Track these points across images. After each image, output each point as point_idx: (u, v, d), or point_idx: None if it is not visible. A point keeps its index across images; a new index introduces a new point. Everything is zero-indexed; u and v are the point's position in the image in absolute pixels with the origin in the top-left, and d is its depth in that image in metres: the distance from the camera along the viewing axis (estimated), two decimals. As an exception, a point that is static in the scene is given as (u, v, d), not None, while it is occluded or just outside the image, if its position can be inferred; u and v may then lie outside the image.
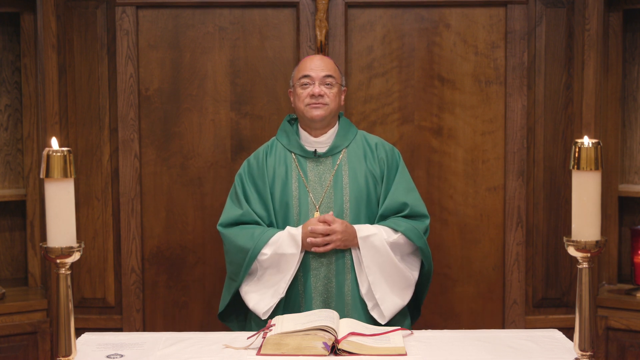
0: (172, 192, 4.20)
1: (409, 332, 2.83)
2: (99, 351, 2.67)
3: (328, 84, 3.32)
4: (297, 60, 4.12)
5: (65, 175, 2.31)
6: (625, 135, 4.25)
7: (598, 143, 2.35)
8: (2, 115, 4.22)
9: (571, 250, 2.40)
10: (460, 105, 4.16)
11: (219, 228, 3.35)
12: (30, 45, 4.13)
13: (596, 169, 2.34)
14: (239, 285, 3.25)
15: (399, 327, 2.85)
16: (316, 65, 3.33)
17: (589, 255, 2.37)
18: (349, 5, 4.11)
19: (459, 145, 4.17)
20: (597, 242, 2.36)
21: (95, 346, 2.72)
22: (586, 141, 2.35)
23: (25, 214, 4.19)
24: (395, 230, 3.21)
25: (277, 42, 4.15)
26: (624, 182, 4.26)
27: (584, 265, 2.39)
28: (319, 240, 3.14)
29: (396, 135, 4.16)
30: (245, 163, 3.45)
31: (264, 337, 2.68)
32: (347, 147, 3.37)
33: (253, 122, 4.18)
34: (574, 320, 2.44)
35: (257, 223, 3.28)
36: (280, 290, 3.16)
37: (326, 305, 3.18)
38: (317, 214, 3.24)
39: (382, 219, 3.28)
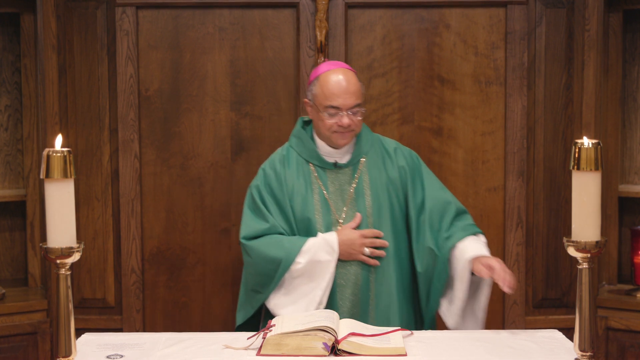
0: (172, 192, 4.20)
1: (408, 332, 2.83)
2: (99, 351, 2.67)
3: (355, 112, 3.17)
4: (297, 60, 4.12)
5: (65, 175, 2.31)
6: (625, 135, 4.25)
7: (598, 143, 2.35)
8: (2, 115, 4.22)
9: (571, 251, 2.40)
10: (460, 106, 4.16)
11: (243, 241, 3.19)
12: (30, 46, 4.13)
13: (596, 169, 2.34)
14: (266, 298, 3.13)
15: (399, 328, 2.85)
16: (345, 94, 3.12)
17: (589, 255, 2.37)
18: (349, 6, 4.11)
19: (459, 146, 4.17)
20: (597, 242, 2.36)
21: (95, 346, 2.72)
22: (586, 141, 2.35)
23: (25, 214, 4.19)
24: (477, 237, 3.13)
25: (277, 42, 4.15)
26: (624, 182, 4.25)
27: (584, 266, 2.39)
28: (377, 242, 3.08)
29: (396, 135, 4.16)
30: (260, 172, 3.31)
31: (264, 338, 2.68)
32: (366, 154, 3.27)
33: (253, 123, 4.18)
34: (574, 320, 2.44)
35: (281, 234, 3.16)
36: (317, 299, 3.04)
37: (352, 314, 3.08)
38: (340, 228, 3.13)
39: (430, 223, 3.14)
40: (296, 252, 3.06)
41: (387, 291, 3.10)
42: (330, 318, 2.74)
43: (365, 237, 3.10)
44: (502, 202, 4.16)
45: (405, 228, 3.21)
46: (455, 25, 4.13)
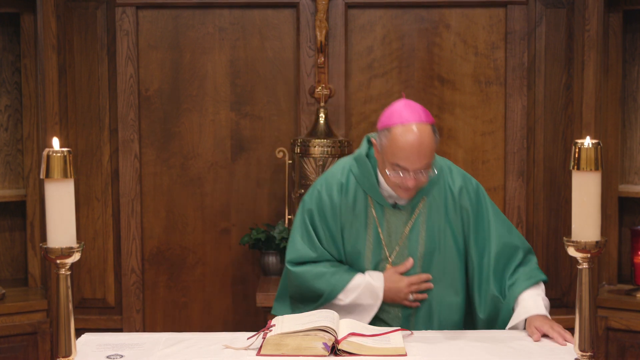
0: (172, 192, 4.20)
1: (408, 332, 2.83)
2: (98, 351, 2.66)
3: (424, 172, 2.86)
4: (297, 61, 4.12)
5: (65, 175, 2.31)
6: (625, 135, 4.25)
7: (598, 143, 2.35)
8: (2, 115, 4.22)
9: (571, 251, 2.39)
10: (460, 106, 4.16)
11: (288, 266, 3.04)
12: (30, 46, 4.12)
13: (596, 169, 2.34)
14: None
15: (399, 328, 2.85)
16: (415, 157, 2.80)
17: (589, 255, 2.37)
18: (349, 6, 4.11)
19: (459, 146, 4.17)
20: (597, 242, 2.36)
21: (95, 346, 2.72)
22: (586, 141, 2.35)
23: (25, 215, 4.19)
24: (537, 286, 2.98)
25: (277, 42, 4.15)
26: (624, 182, 4.25)
27: (584, 266, 2.39)
28: (423, 286, 2.97)
29: (396, 135, 4.16)
30: (315, 194, 3.04)
31: (264, 338, 2.68)
32: (427, 194, 2.98)
33: (253, 123, 4.18)
34: (574, 320, 2.43)
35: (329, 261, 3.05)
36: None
37: None
38: (388, 266, 3.00)
39: (495, 269, 2.97)
40: (340, 289, 2.97)
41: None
42: (330, 318, 2.74)
43: (412, 284, 2.98)
44: (502, 202, 4.16)
45: (464, 270, 3.03)
46: (455, 25, 4.13)
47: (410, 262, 2.98)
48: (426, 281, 3.00)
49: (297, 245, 3.04)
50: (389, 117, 2.85)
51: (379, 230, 3.00)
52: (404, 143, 2.79)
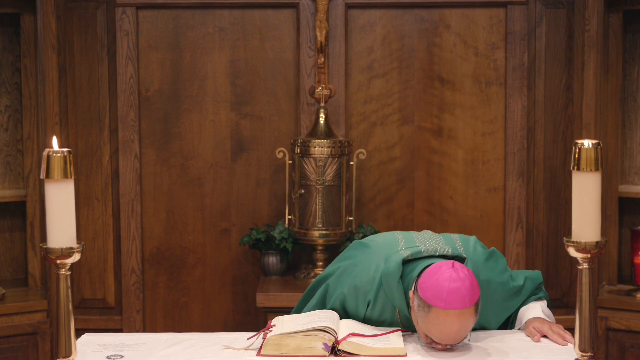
0: (172, 192, 4.20)
1: (408, 332, 2.83)
2: (99, 352, 2.66)
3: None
4: (297, 61, 4.12)
5: (65, 175, 2.31)
6: (625, 135, 4.25)
7: (598, 144, 2.35)
8: (2, 116, 4.22)
9: (571, 251, 2.39)
10: (460, 106, 4.16)
11: None
12: (30, 46, 4.13)
13: (596, 169, 2.34)
14: None
15: (399, 328, 2.85)
16: (450, 340, 2.62)
17: (589, 256, 2.37)
18: (349, 6, 4.11)
19: (459, 146, 4.17)
20: (597, 242, 2.36)
21: (95, 347, 2.72)
22: (586, 142, 2.35)
23: (25, 215, 4.19)
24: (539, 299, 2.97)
25: (277, 42, 4.15)
26: (624, 182, 4.25)
27: (584, 266, 2.39)
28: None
29: (396, 136, 4.16)
30: (339, 295, 2.88)
31: (264, 338, 2.68)
32: None
33: (253, 123, 4.18)
34: (574, 321, 2.43)
35: None
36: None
37: None
38: None
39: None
40: None
41: None
42: (330, 318, 2.73)
43: None
44: (502, 203, 4.16)
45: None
46: (455, 25, 4.13)
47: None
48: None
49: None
50: (433, 294, 2.58)
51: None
52: (442, 328, 2.59)
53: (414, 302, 2.66)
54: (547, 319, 2.88)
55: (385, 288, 2.80)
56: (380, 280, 2.81)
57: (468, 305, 2.58)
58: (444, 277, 2.59)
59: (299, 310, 3.05)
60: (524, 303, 2.97)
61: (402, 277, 2.78)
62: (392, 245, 2.88)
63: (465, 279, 2.59)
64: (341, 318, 2.88)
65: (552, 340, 2.75)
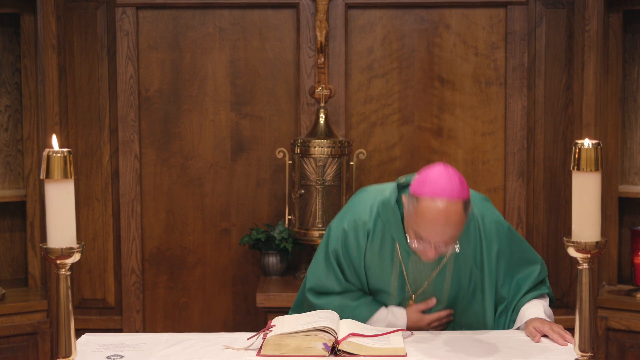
0: (172, 192, 4.20)
1: (409, 333, 2.83)
2: (99, 352, 2.67)
3: (445, 245, 2.73)
4: (297, 61, 4.12)
5: (65, 176, 2.31)
6: (625, 136, 4.25)
7: (598, 144, 2.35)
8: (2, 116, 4.22)
9: (571, 251, 2.39)
10: (460, 106, 4.16)
11: (309, 295, 2.99)
12: (31, 46, 4.13)
13: (596, 169, 2.34)
14: None
15: (399, 328, 2.85)
16: (437, 235, 2.67)
17: (589, 256, 2.37)
18: (349, 6, 4.11)
19: (459, 146, 4.17)
20: (597, 243, 2.36)
21: (95, 347, 2.72)
22: (586, 142, 2.35)
23: (25, 215, 4.19)
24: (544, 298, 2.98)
25: (277, 42, 4.15)
26: (624, 182, 4.25)
27: (584, 266, 2.39)
28: (444, 321, 2.97)
29: (396, 136, 4.16)
30: (341, 235, 2.94)
31: (264, 338, 2.68)
32: (455, 243, 2.82)
33: (253, 123, 4.18)
34: (574, 321, 2.43)
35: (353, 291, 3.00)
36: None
37: None
38: (411, 303, 2.97)
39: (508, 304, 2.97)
40: (364, 320, 2.95)
41: None
42: (330, 318, 2.74)
43: (433, 322, 2.96)
44: (502, 203, 4.16)
45: (493, 303, 2.97)
46: (455, 25, 4.13)
47: (433, 301, 2.96)
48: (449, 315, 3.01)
49: (321, 277, 2.97)
50: (422, 184, 2.68)
51: (405, 273, 2.95)
52: (429, 218, 2.64)
53: (405, 204, 2.74)
54: (548, 319, 2.88)
55: (382, 216, 2.87)
56: (378, 209, 2.88)
57: (455, 197, 2.62)
58: (435, 170, 2.68)
59: (316, 264, 3.02)
60: (524, 297, 2.96)
61: (397, 202, 2.85)
62: (387, 184, 2.99)
63: (455, 175, 2.67)
64: (345, 264, 2.93)
65: (553, 340, 2.75)
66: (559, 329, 2.78)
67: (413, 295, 2.98)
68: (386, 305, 3.00)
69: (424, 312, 2.98)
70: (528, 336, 2.80)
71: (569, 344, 2.70)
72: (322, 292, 2.99)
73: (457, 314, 3.01)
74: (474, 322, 2.99)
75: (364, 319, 2.93)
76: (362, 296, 2.99)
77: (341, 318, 2.87)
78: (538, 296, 2.98)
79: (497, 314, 2.99)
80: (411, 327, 2.96)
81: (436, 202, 2.62)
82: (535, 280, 2.99)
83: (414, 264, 2.93)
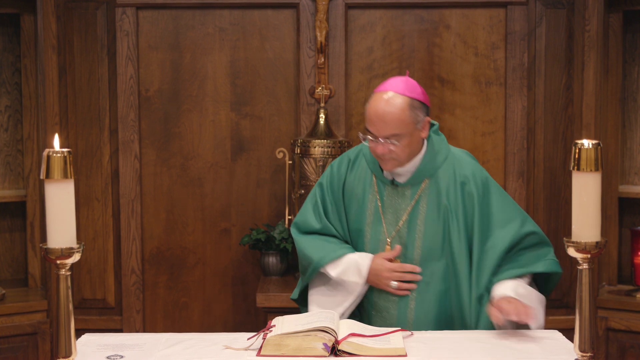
0: (172, 192, 4.20)
1: (409, 333, 2.83)
2: (99, 352, 2.67)
3: (394, 141, 2.87)
4: (297, 61, 4.13)
5: (65, 176, 2.31)
6: (625, 136, 4.25)
7: (598, 144, 2.35)
8: (2, 116, 4.22)
9: (571, 251, 2.39)
10: (460, 106, 4.16)
11: (292, 230, 3.13)
12: (31, 46, 4.13)
13: (596, 170, 2.34)
14: (304, 286, 3.12)
15: (399, 328, 2.85)
16: (379, 122, 2.85)
17: (589, 256, 2.37)
18: (349, 6, 4.11)
19: (459, 146, 4.15)
20: (597, 243, 2.36)
21: (95, 347, 2.72)
22: (586, 142, 2.35)
23: (25, 215, 4.19)
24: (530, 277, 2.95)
25: (277, 43, 4.15)
26: (624, 183, 4.25)
27: (584, 266, 2.39)
28: (407, 277, 2.96)
29: (396, 136, 4.16)
30: (328, 170, 3.14)
31: (264, 338, 2.68)
32: (431, 177, 2.97)
33: (253, 123, 4.18)
34: (574, 321, 2.43)
35: (334, 236, 3.08)
36: (341, 312, 3.01)
37: None
38: (387, 248, 3.00)
39: (489, 264, 2.93)
40: (329, 260, 3.00)
41: (426, 320, 2.99)
42: (330, 319, 2.74)
43: (394, 271, 2.97)
44: (502, 203, 4.15)
45: (468, 253, 2.96)
46: (455, 25, 4.13)
47: (397, 249, 2.98)
48: (428, 266, 2.98)
49: (305, 214, 3.12)
50: (379, 86, 2.96)
51: (380, 209, 3.01)
52: (373, 108, 2.88)
53: None
54: (518, 298, 2.80)
55: (363, 149, 3.08)
56: (361, 146, 3.09)
57: (400, 91, 2.90)
58: (396, 77, 2.99)
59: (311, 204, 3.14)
60: (501, 275, 2.91)
61: None
62: None
63: (411, 80, 2.97)
64: (328, 197, 3.07)
65: (509, 315, 2.72)
66: (519, 304, 2.74)
67: (388, 239, 3.00)
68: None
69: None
70: (493, 320, 2.78)
71: (569, 344, 2.70)
72: (303, 230, 3.10)
73: (434, 258, 2.97)
74: (444, 298, 2.96)
75: (332, 257, 3.00)
76: (339, 242, 3.08)
77: (310, 253, 3.00)
78: (518, 275, 2.91)
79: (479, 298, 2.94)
80: (372, 272, 2.97)
81: (381, 94, 2.89)
82: (511, 245, 2.93)
83: (389, 197, 3.00)
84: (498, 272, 2.94)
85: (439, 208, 2.96)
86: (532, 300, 2.89)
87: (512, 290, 2.85)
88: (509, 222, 2.98)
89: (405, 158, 2.92)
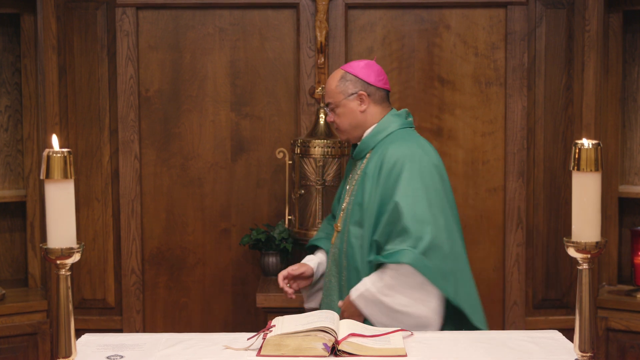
0: (172, 193, 4.20)
1: (409, 333, 2.83)
2: (99, 352, 2.67)
3: (332, 110, 3.17)
4: (297, 61, 4.13)
5: (65, 176, 2.31)
6: (625, 136, 4.25)
7: (598, 144, 2.35)
8: (2, 116, 4.22)
9: (571, 252, 2.39)
10: (460, 107, 4.16)
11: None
12: (31, 47, 4.13)
13: (596, 170, 2.34)
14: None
15: (399, 328, 2.85)
16: (326, 90, 3.23)
17: (589, 256, 2.37)
18: (349, 6, 4.11)
19: (459, 147, 4.17)
20: (597, 243, 2.36)
21: (95, 347, 2.72)
22: (586, 142, 2.35)
23: (25, 215, 4.19)
24: (383, 270, 2.94)
25: (277, 43, 4.15)
26: (624, 183, 4.25)
27: (584, 267, 2.39)
28: (285, 288, 3.28)
29: (396, 136, 4.16)
30: None
31: (264, 338, 2.68)
32: (372, 150, 3.14)
33: (253, 123, 4.18)
34: (574, 321, 2.43)
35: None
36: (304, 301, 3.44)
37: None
38: (340, 217, 3.25)
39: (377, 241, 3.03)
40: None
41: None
42: (330, 319, 2.74)
43: (281, 277, 3.25)
44: (502, 203, 4.16)
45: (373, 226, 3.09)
46: (455, 25, 4.13)
47: (303, 269, 3.28)
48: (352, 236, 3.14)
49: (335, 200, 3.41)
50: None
51: (345, 182, 3.27)
52: None
53: None
54: (360, 300, 2.99)
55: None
56: None
57: (343, 67, 3.19)
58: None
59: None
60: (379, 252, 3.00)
61: None
62: None
63: (365, 61, 3.19)
64: (342, 186, 3.33)
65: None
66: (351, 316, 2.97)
67: (342, 212, 3.18)
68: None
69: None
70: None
71: (569, 344, 2.70)
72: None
73: (355, 236, 3.11)
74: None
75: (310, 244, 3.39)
76: (327, 228, 3.36)
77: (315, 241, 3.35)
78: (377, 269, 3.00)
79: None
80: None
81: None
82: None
83: (350, 170, 3.25)
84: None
85: (367, 183, 3.09)
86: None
87: (356, 288, 3.02)
88: (412, 214, 2.97)
89: (346, 128, 3.15)
